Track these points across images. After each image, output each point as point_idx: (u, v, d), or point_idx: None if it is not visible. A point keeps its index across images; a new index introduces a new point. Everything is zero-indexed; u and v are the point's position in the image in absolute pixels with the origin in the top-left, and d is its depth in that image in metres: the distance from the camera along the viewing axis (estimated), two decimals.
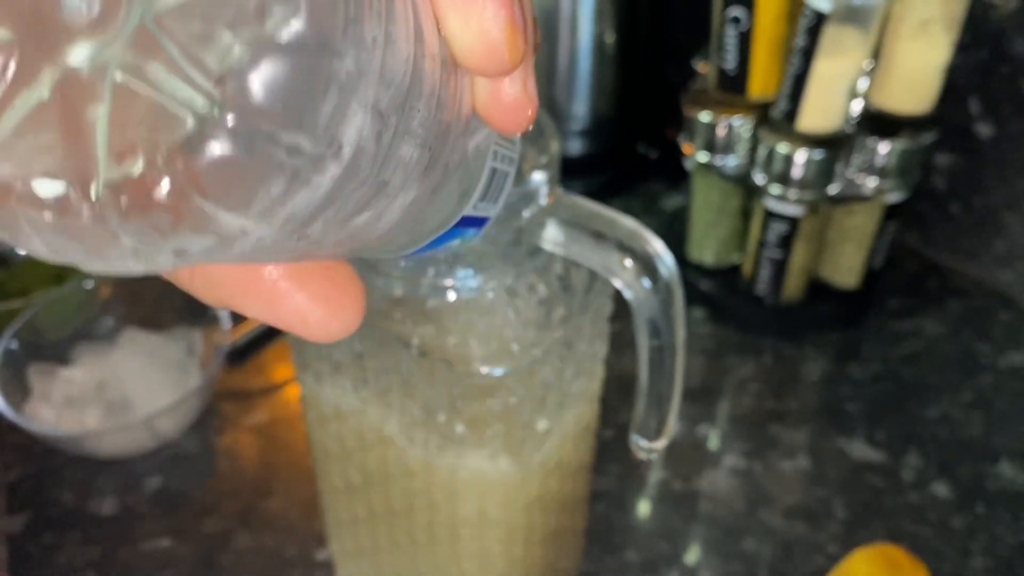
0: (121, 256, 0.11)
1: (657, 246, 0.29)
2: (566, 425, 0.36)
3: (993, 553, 0.49)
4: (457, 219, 0.17)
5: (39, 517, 0.51)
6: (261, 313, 0.15)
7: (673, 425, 0.33)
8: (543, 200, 0.30)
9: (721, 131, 0.57)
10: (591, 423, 0.39)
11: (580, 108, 0.75)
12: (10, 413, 0.49)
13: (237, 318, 0.62)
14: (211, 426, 0.56)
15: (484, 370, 0.30)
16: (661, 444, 0.34)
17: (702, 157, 0.59)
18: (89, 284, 0.58)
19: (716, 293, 0.64)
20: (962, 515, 0.51)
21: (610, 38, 0.72)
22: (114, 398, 0.53)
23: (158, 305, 0.58)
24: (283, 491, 0.52)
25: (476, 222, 0.18)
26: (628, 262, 0.29)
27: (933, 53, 0.51)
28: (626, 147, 0.79)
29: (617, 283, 0.29)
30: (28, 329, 0.55)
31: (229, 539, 0.50)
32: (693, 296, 0.65)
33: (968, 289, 0.67)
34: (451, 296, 0.31)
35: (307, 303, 0.15)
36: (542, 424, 0.34)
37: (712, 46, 0.55)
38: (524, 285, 0.32)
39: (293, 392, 0.59)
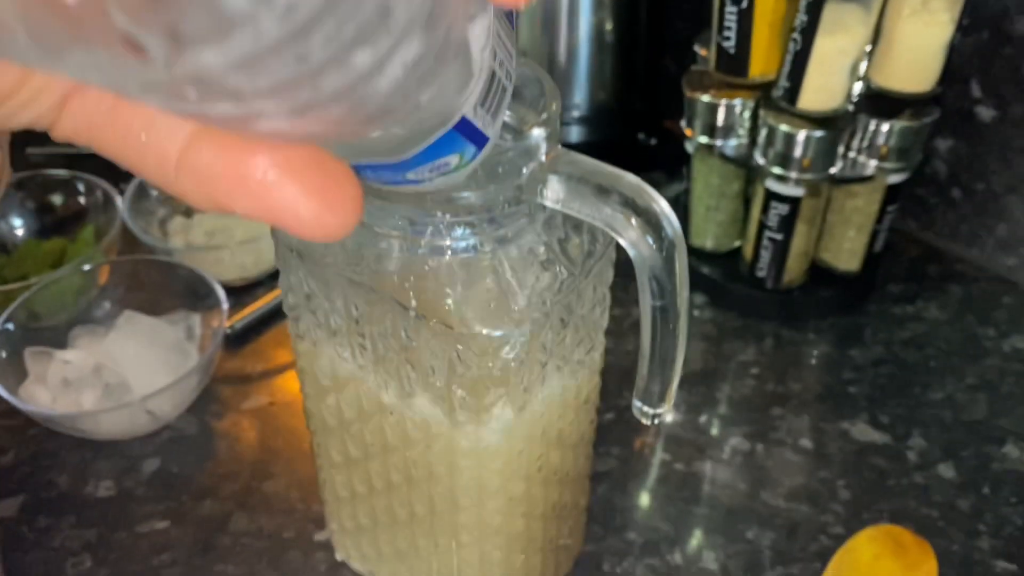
0: (109, 43, 0.10)
1: (662, 203, 0.29)
2: (567, 394, 0.36)
3: (1000, 534, 0.49)
4: (457, 119, 0.16)
5: (34, 500, 0.50)
6: (253, 208, 0.14)
7: (676, 389, 0.33)
8: (543, 156, 0.29)
9: (722, 113, 0.57)
10: (592, 395, 0.39)
11: (579, 97, 0.75)
12: (5, 394, 0.49)
13: (236, 303, 0.62)
14: (210, 410, 0.56)
15: (484, 332, 0.30)
16: (665, 409, 0.33)
17: (703, 139, 0.59)
18: (87, 267, 0.57)
19: (717, 278, 0.63)
20: (968, 496, 0.51)
21: (609, 27, 0.72)
22: (112, 381, 0.52)
23: (157, 290, 0.58)
24: (282, 474, 0.52)
25: (474, 136, 0.18)
26: (632, 218, 0.28)
27: (934, 31, 0.51)
28: (626, 136, 0.78)
29: (621, 240, 0.29)
30: (25, 312, 0.54)
31: (227, 521, 0.49)
32: (694, 281, 0.64)
33: (970, 274, 0.66)
34: (449, 257, 0.31)
35: (300, 195, 0.14)
36: (542, 391, 0.34)
37: (713, 25, 0.55)
38: (524, 247, 0.31)
39: (292, 376, 0.58)
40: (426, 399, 0.33)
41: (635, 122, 0.79)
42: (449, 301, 0.30)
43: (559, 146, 0.30)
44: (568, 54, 0.73)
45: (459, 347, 0.30)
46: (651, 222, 0.28)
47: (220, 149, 0.14)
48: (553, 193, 0.29)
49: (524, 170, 0.29)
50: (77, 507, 0.50)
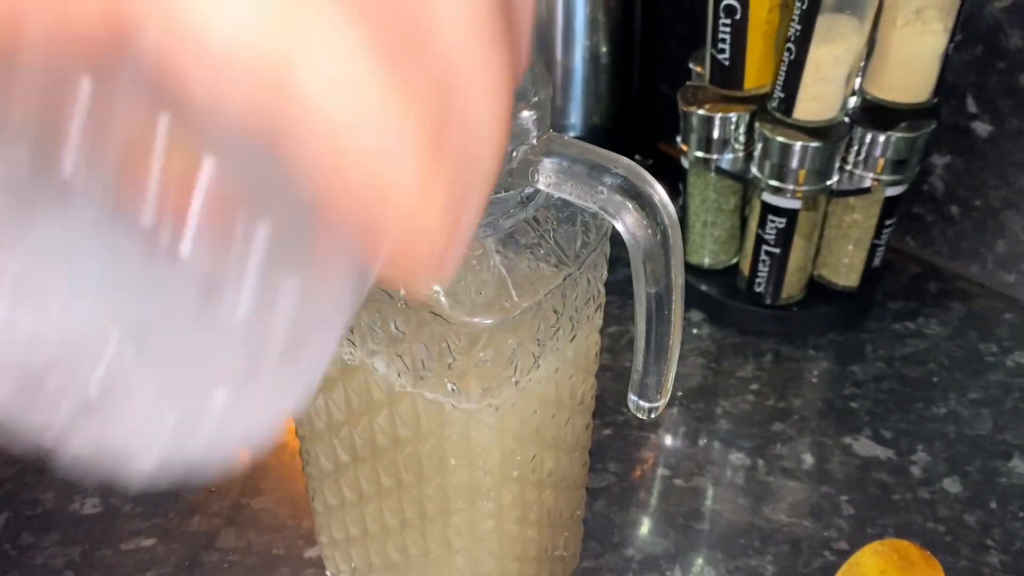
0: None
1: (657, 187, 0.28)
2: (561, 392, 0.35)
3: (1009, 549, 0.48)
4: None
5: (18, 517, 0.49)
6: None
7: (673, 382, 0.32)
8: (533, 140, 0.29)
9: (717, 126, 0.57)
10: (587, 397, 0.38)
11: (575, 118, 0.75)
12: None
13: None
14: None
15: (474, 320, 0.29)
16: (661, 403, 0.32)
17: (698, 154, 0.58)
18: None
19: (715, 295, 0.63)
20: (975, 511, 0.50)
21: (604, 49, 0.73)
22: None
23: None
24: (272, 490, 0.51)
25: None
26: (628, 202, 0.28)
27: (928, 40, 0.51)
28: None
29: (616, 224, 0.28)
30: None
31: (215, 538, 0.48)
32: (691, 298, 0.64)
33: (970, 291, 0.66)
34: None
35: None
36: (535, 386, 0.33)
37: (707, 38, 0.55)
38: (515, 235, 0.31)
39: None
40: (416, 393, 0.32)
41: (630, 144, 0.79)
42: (438, 290, 0.30)
43: (551, 130, 0.30)
44: (563, 76, 0.73)
45: (449, 337, 0.30)
46: (647, 205, 0.28)
47: None
48: (545, 176, 0.29)
49: (515, 154, 0.29)
50: (61, 524, 0.49)
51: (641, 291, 0.30)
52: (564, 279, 0.31)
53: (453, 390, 0.31)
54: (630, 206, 0.28)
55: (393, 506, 0.37)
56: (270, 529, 0.48)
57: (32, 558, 0.47)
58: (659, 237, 0.28)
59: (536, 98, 0.29)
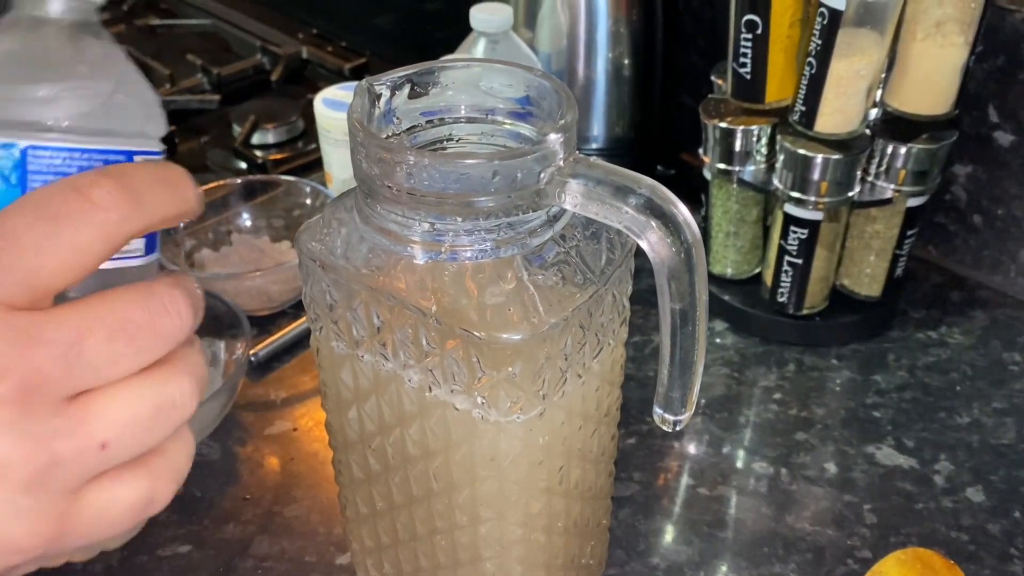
0: None
1: (680, 206, 0.29)
2: (587, 404, 0.36)
3: None
4: None
5: None
6: None
7: (697, 395, 0.33)
8: (560, 161, 0.30)
9: (739, 138, 0.58)
10: (612, 409, 0.39)
11: (597, 129, 0.76)
12: None
13: (261, 331, 0.62)
14: (233, 435, 0.56)
15: (503, 336, 0.30)
16: (686, 416, 0.33)
17: (721, 166, 0.59)
18: None
19: (738, 304, 0.63)
20: (999, 520, 0.50)
21: (627, 61, 0.73)
22: None
23: None
24: (304, 498, 0.52)
25: None
26: (652, 221, 0.29)
27: (948, 53, 0.51)
28: (644, 168, 0.79)
29: (640, 242, 0.29)
30: None
31: (249, 545, 0.49)
32: (714, 308, 0.64)
33: (993, 300, 0.66)
34: (469, 262, 0.31)
35: None
36: (562, 399, 0.34)
37: (728, 52, 0.55)
38: (543, 253, 0.32)
39: (315, 403, 0.58)
40: (446, 406, 0.33)
41: (653, 154, 0.79)
42: (469, 306, 0.31)
43: (577, 151, 0.31)
44: (586, 88, 0.74)
45: (479, 352, 0.31)
46: (670, 225, 0.29)
47: None
48: (572, 197, 0.30)
49: (542, 175, 0.30)
50: None
51: (666, 307, 0.30)
52: (590, 296, 0.32)
53: (483, 403, 0.32)
54: (654, 225, 0.29)
55: (423, 515, 0.38)
56: (302, 536, 0.50)
57: (71, 564, 0.48)
58: (683, 255, 0.29)
59: (563, 121, 0.30)
